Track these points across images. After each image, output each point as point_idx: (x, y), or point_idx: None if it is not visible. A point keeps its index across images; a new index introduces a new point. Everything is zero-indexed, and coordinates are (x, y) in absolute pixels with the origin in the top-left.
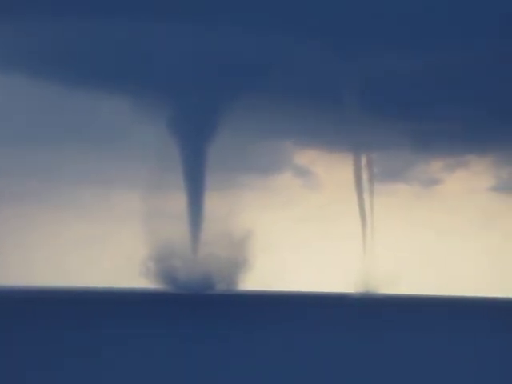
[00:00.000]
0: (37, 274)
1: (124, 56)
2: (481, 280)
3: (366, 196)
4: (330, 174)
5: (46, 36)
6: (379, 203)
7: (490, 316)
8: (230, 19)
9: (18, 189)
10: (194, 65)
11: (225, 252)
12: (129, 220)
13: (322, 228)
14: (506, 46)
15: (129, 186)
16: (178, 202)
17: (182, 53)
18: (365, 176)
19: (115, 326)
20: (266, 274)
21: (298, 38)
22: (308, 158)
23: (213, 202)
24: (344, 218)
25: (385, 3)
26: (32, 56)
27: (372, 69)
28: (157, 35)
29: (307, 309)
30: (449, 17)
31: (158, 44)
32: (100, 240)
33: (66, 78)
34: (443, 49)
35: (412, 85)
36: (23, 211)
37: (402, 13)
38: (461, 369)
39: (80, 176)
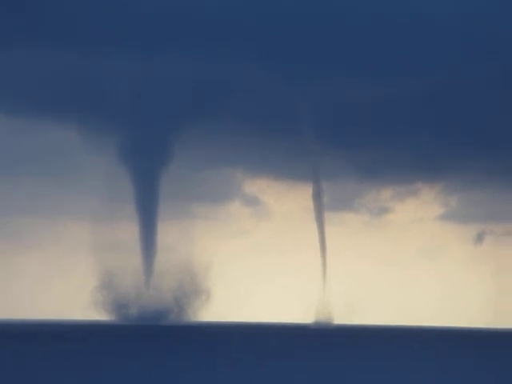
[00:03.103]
0: None
1: (72, 83)
2: (432, 309)
3: (316, 225)
4: (280, 203)
5: None
6: (330, 232)
7: (442, 345)
8: (177, 46)
9: None
10: (143, 93)
11: (177, 282)
12: (78, 251)
13: (273, 258)
14: (456, 72)
15: (78, 217)
16: (130, 232)
17: (131, 81)
18: (315, 205)
19: (63, 359)
20: (219, 304)
21: (247, 65)
22: (257, 186)
23: (164, 232)
24: (295, 248)
25: (335, 30)
26: None
27: (321, 97)
28: (106, 62)
29: (262, 339)
30: (398, 44)
31: (107, 72)
32: (48, 271)
33: (12, 106)
34: (392, 76)
35: (361, 113)
36: None
37: (352, 39)
38: None
39: (27, 206)
